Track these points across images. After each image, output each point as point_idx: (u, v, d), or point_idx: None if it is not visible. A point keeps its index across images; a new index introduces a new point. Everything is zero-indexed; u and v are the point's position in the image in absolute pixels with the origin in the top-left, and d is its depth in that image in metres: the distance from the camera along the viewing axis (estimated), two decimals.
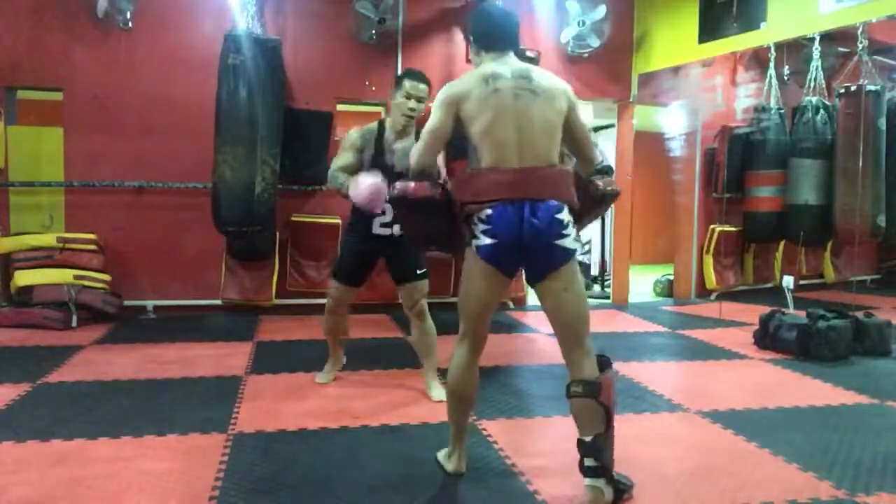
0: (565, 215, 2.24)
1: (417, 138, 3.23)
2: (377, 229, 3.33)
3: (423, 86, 3.28)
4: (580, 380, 2.24)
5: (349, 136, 3.36)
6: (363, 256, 3.45)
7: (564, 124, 2.33)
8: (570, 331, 2.28)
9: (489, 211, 2.23)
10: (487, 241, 2.24)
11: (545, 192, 2.23)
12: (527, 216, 2.19)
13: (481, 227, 2.25)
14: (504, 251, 2.24)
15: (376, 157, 3.29)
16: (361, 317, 5.51)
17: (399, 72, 5.86)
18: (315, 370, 3.93)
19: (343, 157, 3.31)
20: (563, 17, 6.19)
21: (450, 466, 2.53)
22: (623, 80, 6.56)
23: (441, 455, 2.57)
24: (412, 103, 3.25)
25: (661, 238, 8.86)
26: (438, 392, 3.36)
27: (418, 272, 3.39)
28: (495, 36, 2.42)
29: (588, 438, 2.20)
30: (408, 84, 3.27)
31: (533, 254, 2.24)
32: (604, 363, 2.30)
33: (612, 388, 2.26)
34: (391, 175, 3.22)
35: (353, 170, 3.24)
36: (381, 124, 3.36)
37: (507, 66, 2.34)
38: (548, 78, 2.36)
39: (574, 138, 2.40)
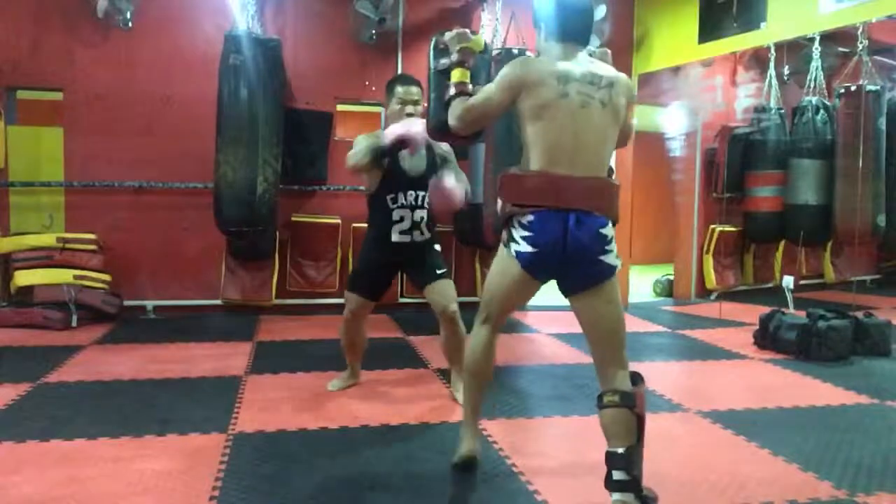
0: (609, 230, 2.20)
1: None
2: (396, 237, 3.23)
3: (414, 88, 3.24)
4: (615, 389, 2.17)
5: (365, 138, 3.22)
6: (382, 268, 3.37)
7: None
8: (606, 345, 2.22)
9: (531, 217, 2.18)
10: (528, 248, 2.19)
11: (592, 205, 2.17)
12: (571, 227, 2.14)
13: (522, 232, 2.20)
14: (543, 260, 2.19)
15: (391, 163, 3.19)
16: None
17: (399, 72, 5.87)
18: (315, 370, 3.94)
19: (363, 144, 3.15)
20: None
21: (462, 448, 2.49)
22: None
23: (459, 445, 2.54)
24: (409, 108, 3.19)
25: (661, 238, 8.86)
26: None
27: (438, 272, 3.28)
28: (569, 25, 2.28)
29: (620, 450, 2.11)
30: (400, 90, 3.22)
31: (575, 267, 2.19)
32: (635, 378, 2.23)
33: (644, 402, 2.20)
34: (405, 180, 3.20)
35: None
36: None
37: (578, 65, 2.24)
38: (615, 81, 2.26)
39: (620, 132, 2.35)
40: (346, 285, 3.48)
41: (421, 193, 3.21)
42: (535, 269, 2.22)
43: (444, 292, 3.25)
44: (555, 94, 2.18)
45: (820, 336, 4.36)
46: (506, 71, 2.27)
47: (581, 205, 2.16)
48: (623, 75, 2.33)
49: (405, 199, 3.21)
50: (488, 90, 2.30)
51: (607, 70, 2.29)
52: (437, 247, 3.39)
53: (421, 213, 3.24)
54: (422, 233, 3.27)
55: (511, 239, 2.24)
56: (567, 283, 2.25)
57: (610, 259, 2.19)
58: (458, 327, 3.22)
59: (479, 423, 3.03)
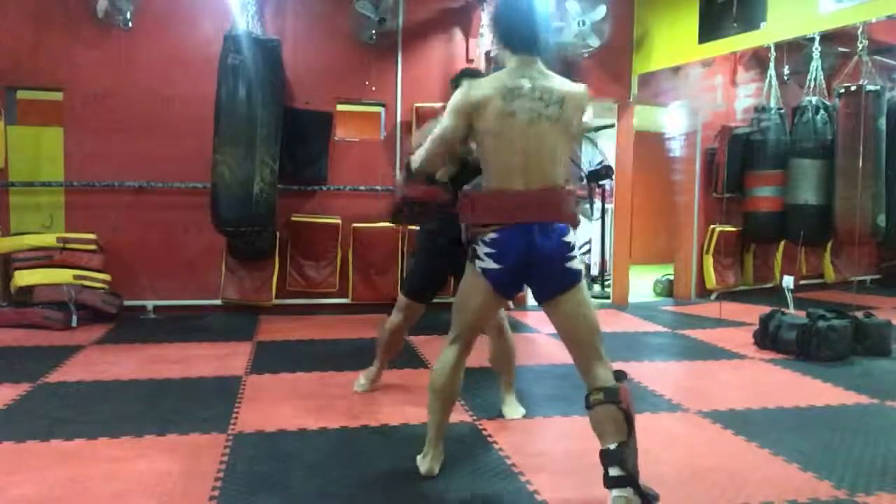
0: (571, 237, 2.26)
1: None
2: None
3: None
4: (599, 387, 2.20)
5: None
6: (444, 268, 3.27)
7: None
8: (584, 345, 2.27)
9: (494, 235, 2.24)
10: (493, 265, 2.24)
11: (552, 215, 2.23)
12: (537, 239, 2.19)
13: (485, 249, 2.25)
14: (509, 276, 2.26)
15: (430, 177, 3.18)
16: (361, 317, 5.52)
17: (399, 72, 5.88)
18: (315, 370, 3.94)
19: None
20: (564, 17, 6.18)
21: (423, 467, 2.51)
22: (623, 80, 6.55)
23: (419, 458, 2.55)
24: None
25: (661, 238, 8.86)
26: (513, 410, 3.22)
27: None
28: (519, 36, 2.28)
29: (612, 446, 2.13)
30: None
31: (542, 276, 2.25)
32: (618, 375, 2.27)
33: (629, 396, 2.22)
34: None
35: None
36: None
37: (529, 78, 2.24)
38: (568, 95, 2.25)
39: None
40: (401, 288, 3.44)
41: None
42: (503, 284, 2.29)
43: None
44: (501, 112, 2.21)
45: (820, 336, 4.36)
46: (454, 98, 2.30)
47: (543, 216, 2.21)
48: (578, 88, 2.29)
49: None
50: (443, 122, 2.32)
51: (561, 84, 2.27)
52: None
53: None
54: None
55: (476, 256, 2.29)
56: (537, 292, 2.32)
57: (574, 264, 2.24)
58: (505, 334, 3.22)
59: (479, 424, 3.05)
